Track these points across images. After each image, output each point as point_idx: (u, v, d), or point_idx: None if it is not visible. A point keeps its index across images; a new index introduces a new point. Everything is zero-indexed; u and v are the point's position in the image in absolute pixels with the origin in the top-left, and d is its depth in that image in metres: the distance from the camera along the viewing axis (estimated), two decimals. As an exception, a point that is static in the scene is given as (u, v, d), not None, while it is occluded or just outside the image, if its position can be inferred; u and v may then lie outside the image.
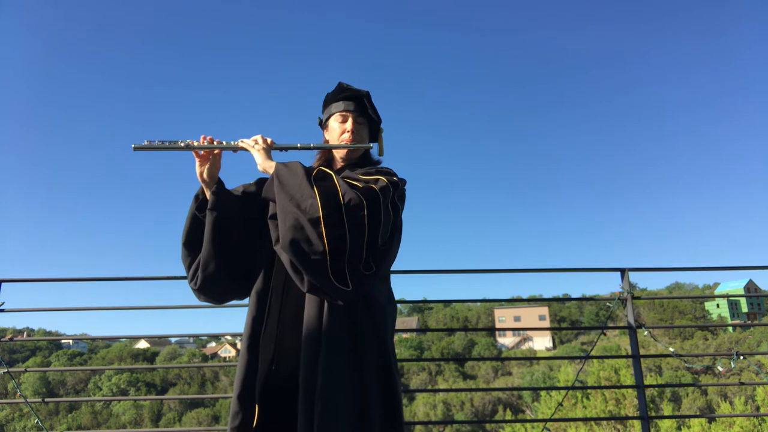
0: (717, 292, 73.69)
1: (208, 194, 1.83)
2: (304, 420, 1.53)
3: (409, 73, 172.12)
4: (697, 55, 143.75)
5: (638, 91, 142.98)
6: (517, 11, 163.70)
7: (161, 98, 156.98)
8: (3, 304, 2.84)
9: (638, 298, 3.18)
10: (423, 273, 3.04)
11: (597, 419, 4.01)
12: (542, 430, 8.72)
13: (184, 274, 1.90)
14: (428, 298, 4.15)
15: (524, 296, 65.52)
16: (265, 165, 1.76)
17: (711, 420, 12.47)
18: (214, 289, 1.84)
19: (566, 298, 3.41)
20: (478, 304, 76.98)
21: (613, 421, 14.72)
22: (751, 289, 71.20)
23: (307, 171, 1.69)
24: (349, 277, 1.58)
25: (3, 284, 2.89)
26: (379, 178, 1.73)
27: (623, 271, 3.10)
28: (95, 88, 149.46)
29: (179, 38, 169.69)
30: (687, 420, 13.56)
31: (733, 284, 72.44)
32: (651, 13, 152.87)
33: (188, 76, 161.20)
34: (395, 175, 1.81)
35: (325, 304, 1.64)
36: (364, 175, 1.78)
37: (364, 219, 1.60)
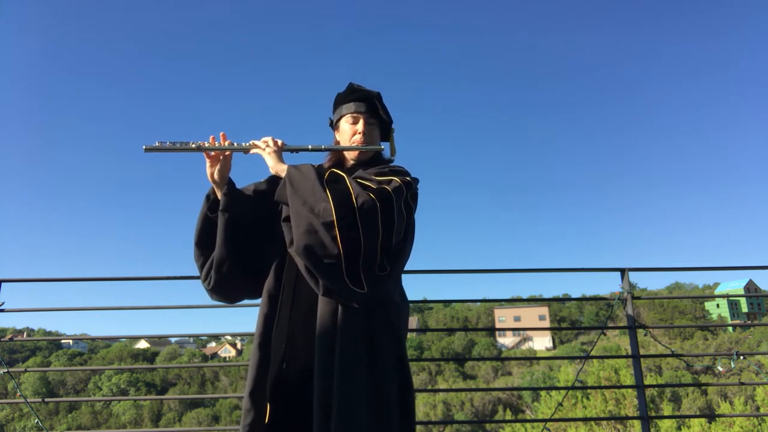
0: (717, 292, 73.66)
1: (219, 195, 1.83)
2: (320, 416, 1.53)
3: (408, 76, 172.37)
4: (697, 56, 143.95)
5: (638, 92, 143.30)
6: (516, 13, 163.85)
7: (163, 100, 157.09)
8: (3, 304, 2.84)
9: (638, 298, 3.17)
10: (423, 273, 3.04)
11: (597, 419, 4.02)
12: (542, 430, 8.71)
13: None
14: (428, 298, 4.15)
15: (524, 296, 65.52)
16: (276, 168, 1.76)
17: (711, 420, 12.47)
18: (227, 288, 1.85)
19: (566, 298, 3.44)
20: (478, 304, 76.99)
21: (613, 421, 14.73)
22: (751, 289, 71.16)
23: (320, 174, 1.68)
24: (364, 278, 1.57)
25: (3, 284, 2.89)
26: (392, 179, 1.72)
27: (623, 271, 3.10)
28: (97, 91, 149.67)
29: (185, 43, 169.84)
30: (687, 420, 13.58)
31: (733, 284, 72.40)
32: (651, 15, 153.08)
33: (193, 80, 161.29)
34: (408, 175, 1.80)
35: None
36: (376, 175, 1.77)
37: (377, 221, 1.60)
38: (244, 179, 1.93)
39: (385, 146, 1.93)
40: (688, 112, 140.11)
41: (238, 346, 69.61)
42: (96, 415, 42.01)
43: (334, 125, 1.98)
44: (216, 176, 1.81)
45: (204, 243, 1.86)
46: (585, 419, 12.31)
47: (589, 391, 15.23)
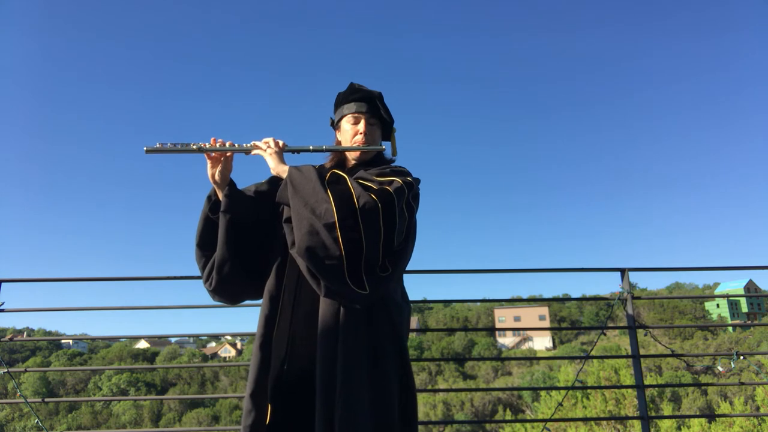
0: (717, 292, 73.64)
1: (220, 195, 1.83)
2: (323, 417, 1.53)
3: (410, 76, 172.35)
4: (697, 56, 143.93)
5: (638, 92, 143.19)
6: (511, 13, 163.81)
7: (164, 101, 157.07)
8: (3, 304, 2.84)
9: (638, 298, 3.18)
10: (423, 273, 3.04)
11: (597, 419, 4.02)
12: (542, 430, 8.71)
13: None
14: (428, 298, 4.15)
15: (524, 296, 65.49)
16: (278, 169, 1.75)
17: (711, 420, 12.47)
18: (229, 289, 1.85)
19: (566, 298, 3.44)
20: (478, 304, 76.97)
21: (613, 421, 14.71)
22: (751, 289, 71.14)
23: (321, 174, 1.68)
24: (366, 280, 1.57)
25: (3, 284, 2.89)
26: (393, 180, 1.72)
27: (623, 271, 3.10)
28: (98, 91, 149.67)
29: (186, 43, 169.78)
30: (687, 420, 13.56)
31: (733, 284, 72.39)
32: (649, 14, 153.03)
33: (194, 81, 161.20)
34: (410, 175, 1.80)
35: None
36: (378, 175, 1.77)
37: (379, 222, 1.60)
38: (246, 180, 1.93)
39: (386, 146, 1.93)
40: (687, 111, 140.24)
41: (238, 346, 69.60)
42: (96, 415, 42.00)
43: (335, 125, 1.98)
44: (217, 177, 1.81)
45: (205, 244, 1.87)
46: (585, 419, 12.29)
47: (589, 391, 15.22)
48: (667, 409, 15.80)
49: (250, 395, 1.66)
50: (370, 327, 1.64)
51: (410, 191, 1.73)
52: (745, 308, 69.02)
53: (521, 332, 66.67)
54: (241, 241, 1.80)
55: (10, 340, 3.35)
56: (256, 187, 1.91)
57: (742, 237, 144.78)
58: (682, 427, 13.22)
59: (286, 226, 1.70)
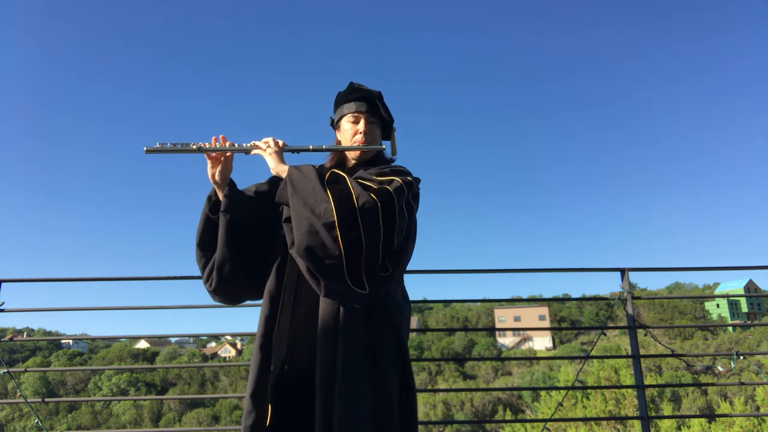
0: (717, 292, 73.62)
1: (220, 195, 1.83)
2: (323, 417, 1.52)
3: (410, 76, 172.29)
4: (697, 56, 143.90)
5: (638, 92, 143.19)
6: (511, 13, 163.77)
7: (165, 101, 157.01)
8: (3, 304, 2.84)
9: (638, 298, 3.18)
10: (423, 273, 3.04)
11: (597, 419, 4.02)
12: (542, 430, 8.71)
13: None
14: (428, 298, 4.15)
15: (524, 296, 65.41)
16: (278, 169, 1.75)
17: (711, 420, 12.46)
18: (229, 290, 1.85)
19: (566, 298, 3.43)
20: (478, 304, 76.96)
21: (613, 421, 14.71)
22: (751, 289, 71.12)
23: (320, 174, 1.67)
24: (366, 280, 1.57)
25: (3, 284, 2.89)
26: (393, 179, 1.71)
27: (623, 271, 3.10)
28: (98, 91, 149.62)
29: (187, 44, 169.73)
30: (687, 420, 13.56)
31: (733, 284, 72.37)
32: (649, 14, 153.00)
33: (195, 81, 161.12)
34: (409, 175, 1.80)
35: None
36: (378, 175, 1.76)
37: (378, 221, 1.59)
38: (246, 180, 1.93)
39: (386, 146, 1.93)
40: (687, 111, 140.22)
41: (238, 346, 69.58)
42: (96, 415, 41.99)
43: (335, 125, 1.98)
44: (217, 177, 1.81)
45: (206, 244, 1.86)
46: (585, 419, 12.30)
47: (589, 391, 15.21)
48: (667, 409, 15.79)
49: (251, 395, 1.66)
50: (370, 327, 1.63)
51: (410, 191, 1.72)
52: (745, 308, 68.99)
53: (521, 332, 66.65)
54: (241, 241, 1.80)
55: (10, 340, 3.34)
56: (257, 187, 1.90)
57: (742, 237, 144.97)
58: (682, 427, 13.22)
59: (285, 226, 1.70)
